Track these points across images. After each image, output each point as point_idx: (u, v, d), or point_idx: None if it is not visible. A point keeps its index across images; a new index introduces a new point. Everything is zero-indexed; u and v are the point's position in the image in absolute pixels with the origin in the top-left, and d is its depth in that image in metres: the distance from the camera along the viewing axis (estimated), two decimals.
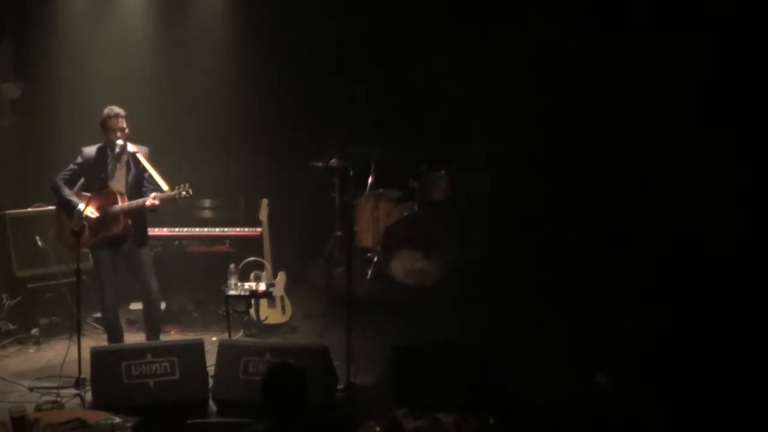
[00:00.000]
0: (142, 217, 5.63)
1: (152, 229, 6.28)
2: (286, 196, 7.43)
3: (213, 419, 4.85)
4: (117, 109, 5.51)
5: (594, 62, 6.67)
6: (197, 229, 6.95)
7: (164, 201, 5.44)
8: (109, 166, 5.51)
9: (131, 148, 5.57)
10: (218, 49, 7.77)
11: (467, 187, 7.25)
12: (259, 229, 6.78)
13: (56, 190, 5.58)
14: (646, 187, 6.39)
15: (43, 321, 6.49)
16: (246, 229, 6.93)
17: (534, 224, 6.85)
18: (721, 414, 4.50)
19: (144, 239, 5.70)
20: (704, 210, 5.92)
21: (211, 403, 4.93)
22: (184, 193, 5.42)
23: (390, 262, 6.97)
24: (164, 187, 5.45)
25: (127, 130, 5.52)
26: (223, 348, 5.05)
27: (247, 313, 6.31)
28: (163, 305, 6.31)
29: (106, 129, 5.51)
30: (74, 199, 5.51)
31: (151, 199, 5.40)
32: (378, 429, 3.92)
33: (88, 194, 5.47)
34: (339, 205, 7.29)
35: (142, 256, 5.65)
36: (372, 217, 7.08)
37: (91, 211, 5.42)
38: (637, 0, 6.46)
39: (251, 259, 6.57)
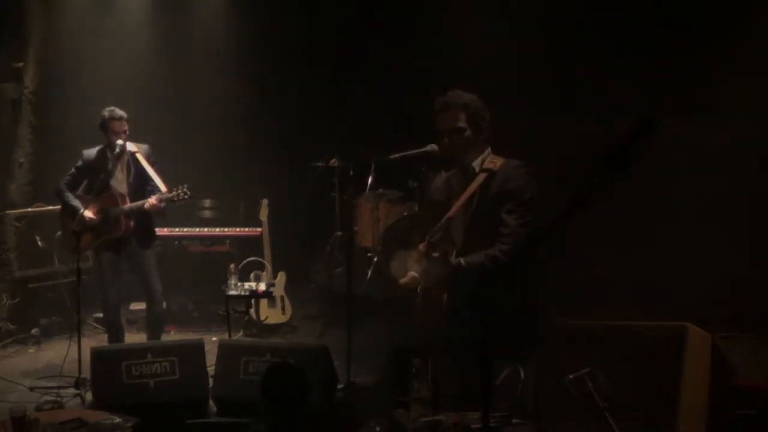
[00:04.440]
0: (146, 218, 5.62)
1: None
2: (286, 196, 7.44)
3: (213, 419, 4.85)
4: (120, 112, 5.51)
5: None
6: (197, 229, 6.96)
7: (163, 202, 5.45)
8: (110, 167, 5.52)
9: (131, 147, 5.57)
10: (218, 49, 7.78)
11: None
12: (259, 229, 6.79)
13: (59, 195, 5.60)
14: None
15: (43, 321, 6.49)
16: (246, 229, 6.94)
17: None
18: None
19: (148, 240, 5.69)
20: None
21: (211, 403, 4.93)
22: (182, 194, 5.42)
23: (390, 262, 6.96)
24: (163, 188, 5.46)
25: (128, 132, 5.54)
26: (223, 348, 5.04)
27: (247, 313, 6.31)
28: (163, 305, 6.32)
29: (107, 131, 5.51)
30: (76, 203, 5.52)
31: (149, 201, 5.41)
32: (378, 429, 3.92)
33: (90, 197, 5.49)
34: (339, 205, 7.29)
35: (146, 257, 5.64)
36: (372, 217, 7.07)
37: (91, 215, 5.43)
38: None
39: (251, 259, 6.58)
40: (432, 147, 4.04)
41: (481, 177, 3.84)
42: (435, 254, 3.77)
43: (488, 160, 3.88)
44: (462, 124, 3.83)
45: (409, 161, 4.24)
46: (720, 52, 5.45)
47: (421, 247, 3.86)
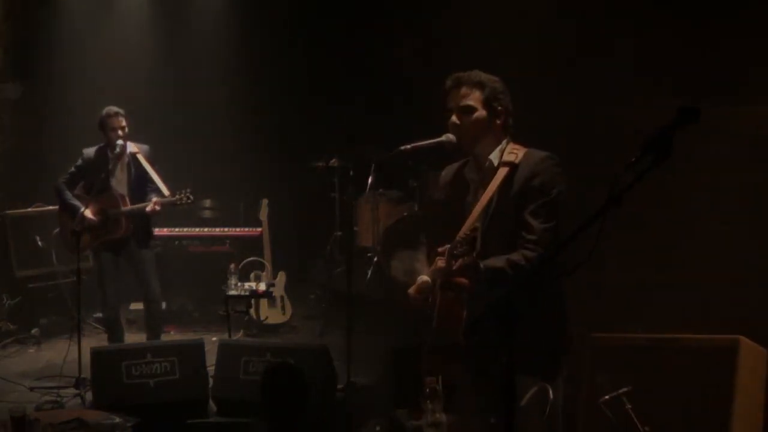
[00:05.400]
0: (144, 219, 5.62)
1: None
2: (286, 196, 7.44)
3: (213, 419, 4.85)
4: (116, 108, 5.52)
5: None
6: (197, 229, 6.96)
7: (165, 206, 5.45)
8: (110, 167, 5.51)
9: (132, 148, 5.57)
10: (218, 49, 7.78)
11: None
12: (259, 229, 6.79)
13: (58, 194, 5.60)
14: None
15: (43, 321, 6.50)
16: (246, 229, 6.94)
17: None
18: None
19: (146, 240, 5.68)
20: None
21: (211, 403, 4.93)
22: (185, 199, 5.43)
23: (390, 262, 6.97)
24: (165, 192, 5.45)
25: (126, 129, 5.53)
26: (223, 348, 5.04)
27: (247, 313, 6.31)
28: (163, 305, 6.32)
29: (105, 128, 5.52)
30: (76, 202, 5.52)
31: (152, 205, 5.40)
32: (378, 429, 3.92)
33: (88, 196, 5.49)
34: (339, 205, 7.29)
35: (144, 257, 5.63)
36: (372, 217, 7.07)
37: (91, 215, 5.42)
38: None
39: (251, 259, 6.58)
40: (448, 137, 3.52)
41: (502, 173, 3.35)
42: (455, 267, 3.41)
43: (507, 151, 3.38)
44: (473, 102, 3.36)
45: (419, 154, 3.96)
46: None
47: (441, 259, 3.35)
